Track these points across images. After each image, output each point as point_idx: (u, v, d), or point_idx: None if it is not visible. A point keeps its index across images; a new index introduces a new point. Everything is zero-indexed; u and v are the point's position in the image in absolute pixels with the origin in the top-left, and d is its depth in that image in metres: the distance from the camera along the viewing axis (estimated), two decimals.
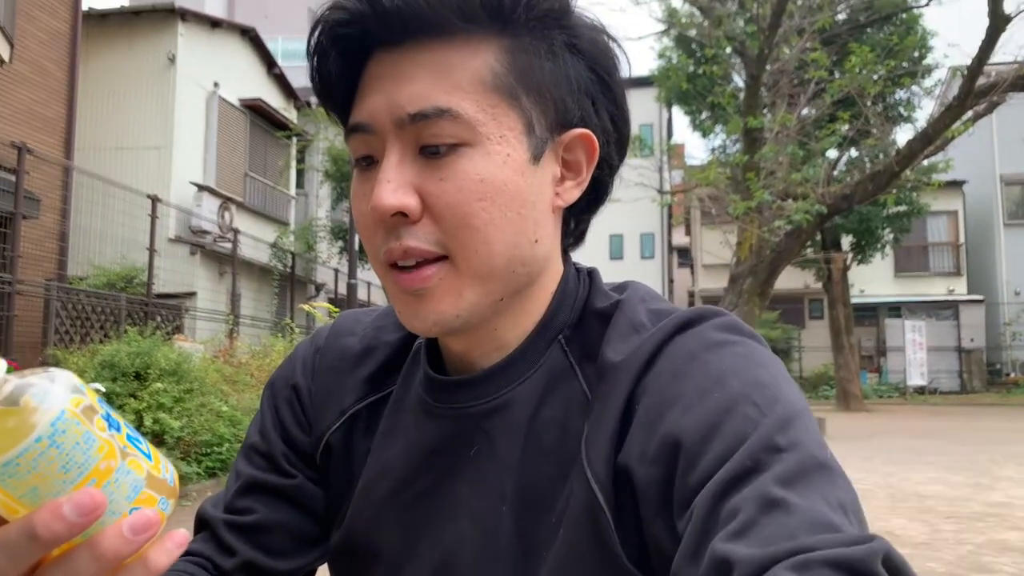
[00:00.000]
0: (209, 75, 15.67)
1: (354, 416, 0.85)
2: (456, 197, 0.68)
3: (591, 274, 0.82)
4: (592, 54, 0.75)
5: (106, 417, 0.49)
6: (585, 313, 0.78)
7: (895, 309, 27.22)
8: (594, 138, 0.75)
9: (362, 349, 0.87)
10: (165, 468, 0.52)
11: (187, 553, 0.83)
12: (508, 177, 0.69)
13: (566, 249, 0.81)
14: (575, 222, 0.81)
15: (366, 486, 0.81)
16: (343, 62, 0.72)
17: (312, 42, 0.72)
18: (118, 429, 0.50)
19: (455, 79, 0.68)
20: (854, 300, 23.39)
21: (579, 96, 0.74)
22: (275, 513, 0.83)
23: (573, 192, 0.76)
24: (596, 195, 0.80)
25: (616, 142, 0.79)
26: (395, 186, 0.68)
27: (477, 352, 0.77)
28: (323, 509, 0.86)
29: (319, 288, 19.13)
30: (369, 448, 0.83)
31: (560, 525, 0.70)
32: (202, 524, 0.85)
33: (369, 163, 0.72)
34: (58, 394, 0.47)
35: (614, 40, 0.77)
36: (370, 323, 0.90)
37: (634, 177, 13.41)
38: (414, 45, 0.69)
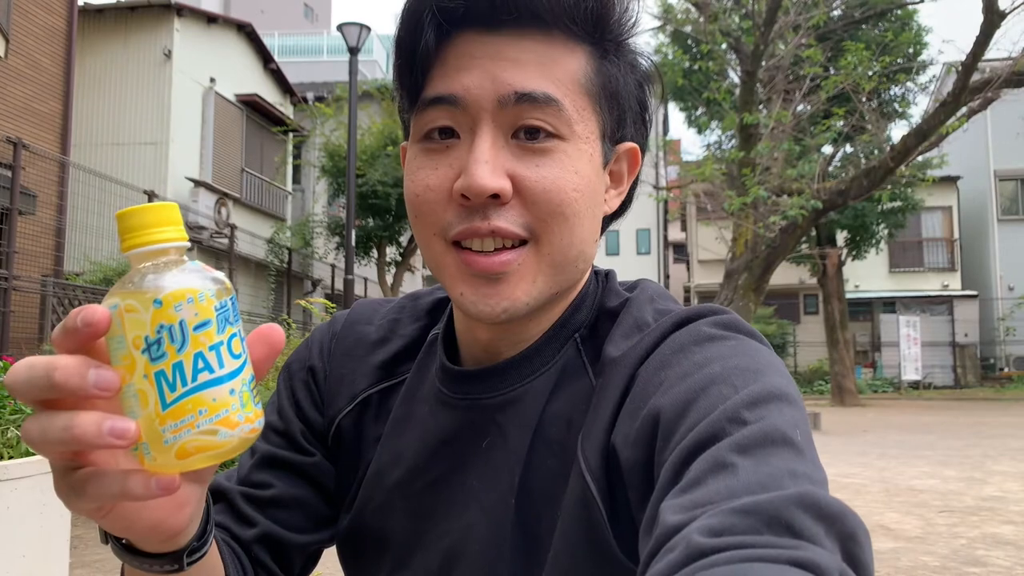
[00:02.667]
0: (205, 70, 15.64)
1: (365, 401, 0.86)
2: (555, 184, 0.69)
3: (607, 275, 0.84)
4: (642, 75, 0.79)
5: (151, 343, 0.49)
6: (599, 313, 0.80)
7: (890, 304, 27.28)
8: (639, 154, 0.79)
9: (378, 338, 0.89)
10: (172, 431, 0.50)
11: None
12: (591, 175, 0.72)
13: None
14: (599, 231, 0.84)
15: (378, 472, 0.82)
16: (434, 35, 0.71)
17: (409, 9, 0.71)
18: (157, 360, 0.49)
19: (558, 74, 0.70)
20: (849, 295, 23.45)
21: (631, 113, 0.78)
22: (292, 489, 0.84)
23: (615, 201, 0.80)
24: (622, 206, 0.83)
25: (643, 160, 0.82)
26: (492, 167, 0.68)
27: (501, 344, 0.78)
28: (335, 489, 0.87)
29: (316, 284, 19.12)
30: (379, 434, 0.84)
31: (559, 515, 0.71)
32: (217, 495, 0.85)
33: (446, 136, 0.72)
34: (129, 293, 0.50)
35: (655, 66, 0.81)
36: (387, 312, 0.92)
37: None
38: (513, 32, 0.70)
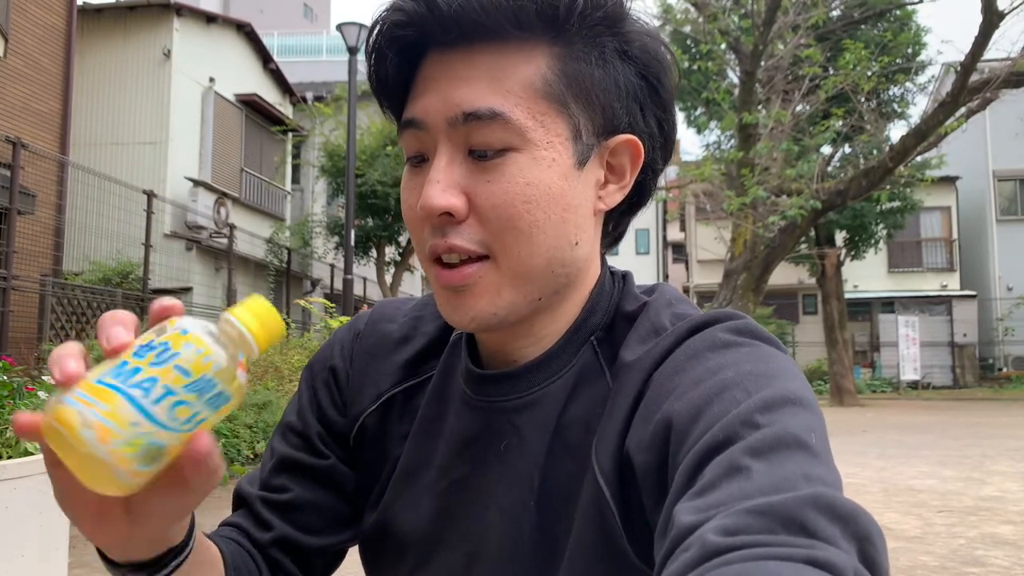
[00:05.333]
0: (205, 70, 15.63)
1: (390, 400, 0.87)
2: (502, 199, 0.70)
3: (625, 277, 0.84)
4: (643, 60, 0.76)
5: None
6: (616, 315, 0.80)
7: (888, 304, 27.30)
8: (640, 144, 0.76)
9: (401, 336, 0.90)
10: None
11: (227, 524, 0.87)
12: (553, 181, 0.71)
13: (602, 251, 0.82)
14: (614, 224, 0.82)
15: (406, 471, 0.83)
16: (399, 61, 0.74)
17: (370, 41, 0.74)
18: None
19: (508, 84, 0.70)
20: (848, 295, 23.45)
21: (627, 102, 0.75)
22: (308, 492, 0.86)
23: (615, 196, 0.77)
24: (637, 198, 0.81)
25: (661, 146, 0.80)
26: (443, 186, 0.70)
27: (512, 347, 0.79)
28: (354, 491, 0.88)
29: (315, 284, 19.11)
30: (404, 432, 0.85)
31: (575, 519, 0.71)
32: (240, 501, 0.88)
33: (420, 160, 0.74)
34: None
35: (665, 46, 0.78)
36: (409, 311, 0.93)
37: None
38: (469, 48, 0.71)
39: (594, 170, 0.75)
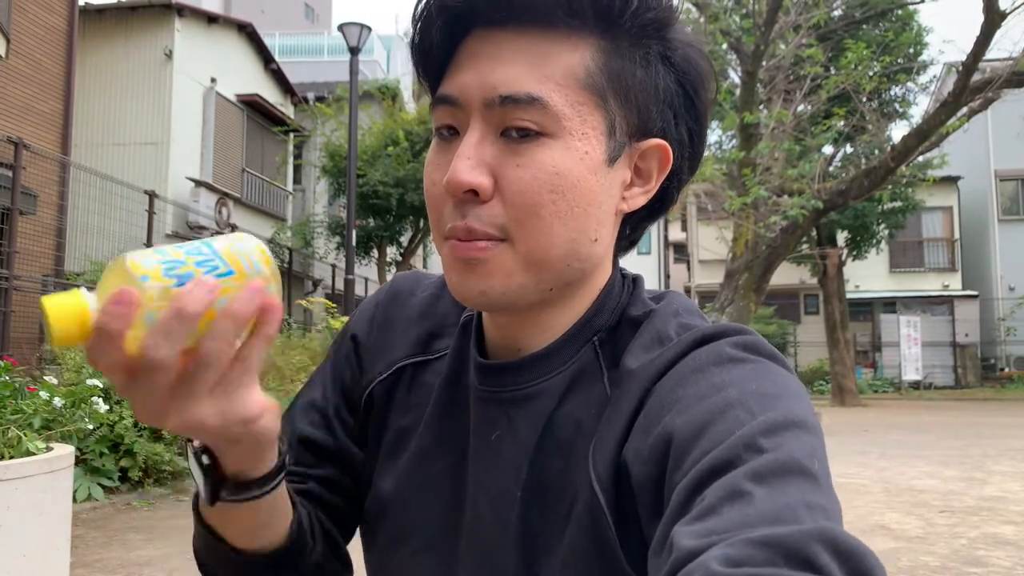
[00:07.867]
0: (206, 71, 15.65)
1: (400, 370, 0.88)
2: (529, 185, 0.69)
3: (635, 281, 0.83)
4: (683, 69, 0.76)
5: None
6: (622, 319, 0.79)
7: (890, 304, 27.29)
8: (669, 150, 0.76)
9: (418, 312, 0.91)
10: None
11: None
12: (582, 174, 0.70)
13: (615, 254, 0.82)
14: (631, 228, 0.82)
15: (421, 454, 0.84)
16: (444, 33, 0.73)
17: (419, 9, 0.73)
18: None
19: (549, 70, 0.70)
20: (849, 295, 23.45)
21: (663, 107, 0.75)
22: (326, 471, 0.89)
23: (639, 199, 0.77)
24: (659, 204, 0.81)
25: (689, 156, 0.80)
26: (472, 164, 0.69)
27: (517, 336, 0.79)
28: (361, 469, 0.90)
29: (316, 284, 19.13)
30: (409, 404, 0.87)
31: (566, 521, 0.71)
32: None
33: (450, 133, 0.74)
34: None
35: (707, 59, 0.78)
36: (428, 286, 0.94)
37: None
38: (515, 28, 0.70)
39: (622, 170, 0.75)
